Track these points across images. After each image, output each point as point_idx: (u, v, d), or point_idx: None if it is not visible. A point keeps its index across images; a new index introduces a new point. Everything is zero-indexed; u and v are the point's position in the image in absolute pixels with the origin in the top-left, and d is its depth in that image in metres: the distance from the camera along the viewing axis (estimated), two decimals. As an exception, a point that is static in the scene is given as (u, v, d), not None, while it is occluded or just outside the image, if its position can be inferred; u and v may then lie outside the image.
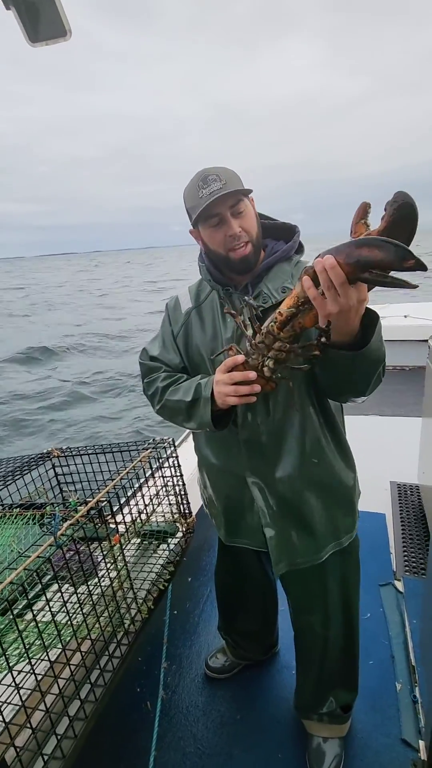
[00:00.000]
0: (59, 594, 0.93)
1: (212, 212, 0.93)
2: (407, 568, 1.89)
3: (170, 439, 1.47)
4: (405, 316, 4.47)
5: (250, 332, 0.85)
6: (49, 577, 0.96)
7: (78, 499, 1.14)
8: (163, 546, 1.43)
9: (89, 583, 1.03)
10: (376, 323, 0.79)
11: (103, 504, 1.07)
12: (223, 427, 1.00)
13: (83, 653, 0.93)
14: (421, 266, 0.58)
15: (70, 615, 0.92)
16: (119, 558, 1.10)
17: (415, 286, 0.62)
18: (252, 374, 0.85)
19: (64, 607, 0.92)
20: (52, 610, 0.89)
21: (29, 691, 0.83)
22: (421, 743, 1.22)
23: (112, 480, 1.23)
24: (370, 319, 0.79)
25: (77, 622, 0.96)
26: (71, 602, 0.98)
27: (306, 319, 0.75)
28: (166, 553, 1.40)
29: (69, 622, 0.92)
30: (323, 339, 0.76)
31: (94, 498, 1.09)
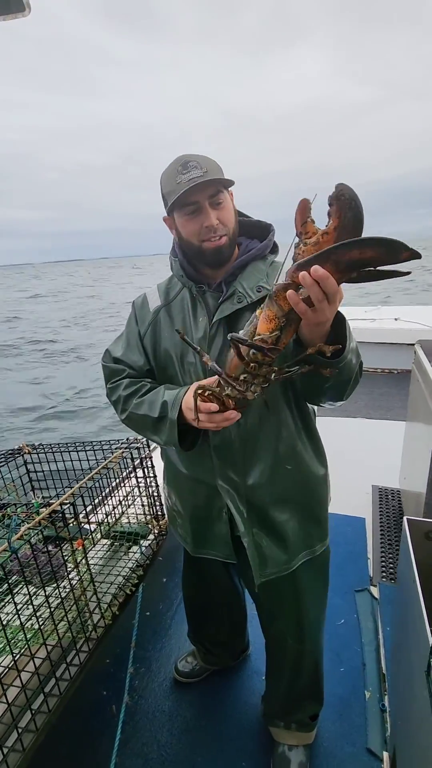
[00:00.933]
0: (10, 598, 0.89)
1: (189, 200, 0.88)
2: (384, 574, 1.87)
3: (144, 440, 1.43)
4: (395, 319, 4.45)
5: (231, 364, 0.79)
6: (2, 581, 0.92)
7: (42, 499, 1.10)
8: (134, 548, 1.40)
9: (48, 588, 1.00)
10: (343, 320, 0.76)
11: (66, 507, 1.03)
12: (189, 447, 0.96)
13: (37, 661, 0.89)
14: (415, 255, 0.55)
15: (22, 621, 0.89)
16: (82, 562, 1.06)
17: (408, 272, 0.59)
18: (234, 415, 0.81)
19: (16, 613, 0.88)
20: (5, 615, 0.86)
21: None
22: (386, 755, 1.20)
23: (79, 481, 1.19)
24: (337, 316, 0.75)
25: (32, 627, 0.93)
26: (28, 607, 0.94)
27: (287, 335, 0.72)
28: (137, 555, 1.37)
29: (21, 628, 0.89)
30: (309, 352, 0.73)
31: (57, 500, 1.05)
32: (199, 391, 0.82)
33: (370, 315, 4.72)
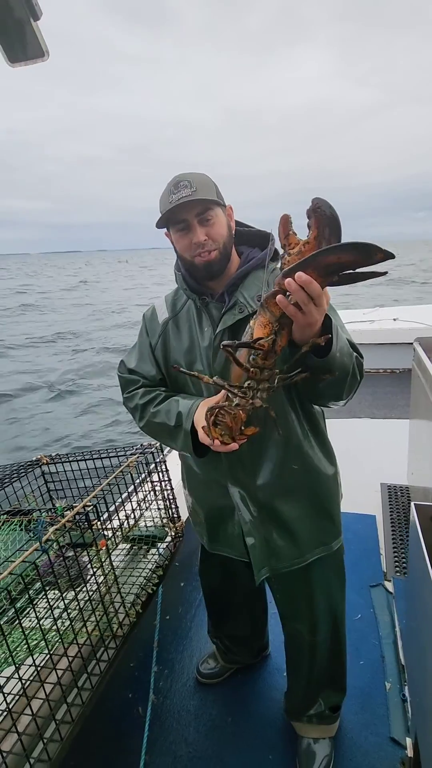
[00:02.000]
0: (45, 599, 0.94)
1: (179, 217, 0.94)
2: (397, 569, 1.90)
3: (158, 444, 1.48)
4: (394, 320, 4.51)
5: (233, 375, 0.84)
6: (35, 582, 0.97)
7: (65, 504, 1.15)
8: (153, 550, 1.44)
9: (76, 588, 1.05)
10: (329, 320, 0.80)
11: (89, 509, 1.09)
12: (203, 454, 1.00)
13: (70, 658, 0.94)
14: (389, 255, 0.61)
15: (56, 620, 0.93)
16: (106, 562, 1.11)
17: (384, 272, 0.64)
18: (234, 446, 0.86)
19: (50, 613, 0.93)
20: (39, 615, 0.91)
21: (15, 696, 0.84)
22: (408, 741, 1.23)
23: (102, 484, 1.24)
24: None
25: (63, 626, 0.97)
26: (58, 607, 0.99)
27: (282, 339, 0.77)
28: (156, 557, 1.41)
29: (55, 627, 0.93)
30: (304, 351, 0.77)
31: (80, 503, 1.10)
32: (209, 414, 0.85)
33: (369, 317, 4.79)
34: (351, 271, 0.66)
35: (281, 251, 0.74)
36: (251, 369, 0.79)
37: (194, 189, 0.92)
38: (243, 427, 0.86)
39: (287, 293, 0.70)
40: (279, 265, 0.76)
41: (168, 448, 1.47)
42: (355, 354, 0.92)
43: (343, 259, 0.63)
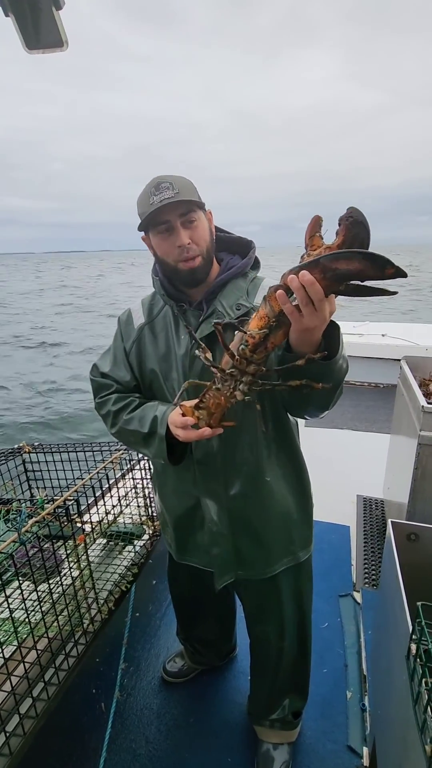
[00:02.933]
0: (19, 591, 0.93)
1: (161, 219, 0.90)
2: (366, 580, 1.95)
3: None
4: (383, 335, 4.60)
5: (223, 360, 0.82)
6: (10, 573, 0.96)
7: (46, 496, 1.14)
8: (129, 547, 1.44)
9: (51, 581, 1.04)
10: (337, 332, 0.78)
11: (70, 503, 1.08)
12: (177, 462, 0.99)
13: (39, 651, 0.93)
14: (401, 273, 0.58)
15: (29, 612, 0.93)
16: (83, 557, 1.10)
17: (394, 293, 0.62)
18: (207, 431, 0.85)
19: (23, 604, 0.92)
20: (11, 606, 0.90)
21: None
22: (365, 750, 1.26)
23: (82, 479, 1.24)
24: (331, 327, 0.77)
25: (35, 619, 0.96)
26: (31, 599, 0.98)
27: (277, 337, 0.75)
28: (132, 554, 1.41)
29: (27, 620, 0.92)
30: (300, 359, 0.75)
31: (62, 496, 1.10)
32: (189, 405, 0.85)
33: (359, 330, 4.87)
34: (359, 282, 0.63)
35: (304, 251, 0.71)
36: (236, 357, 0.77)
37: (176, 191, 0.89)
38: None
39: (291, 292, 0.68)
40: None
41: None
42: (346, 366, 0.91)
43: (352, 266, 0.60)
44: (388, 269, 0.58)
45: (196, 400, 0.86)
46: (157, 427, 0.95)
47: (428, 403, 1.71)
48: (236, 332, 0.79)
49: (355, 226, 0.64)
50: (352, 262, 0.60)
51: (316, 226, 0.69)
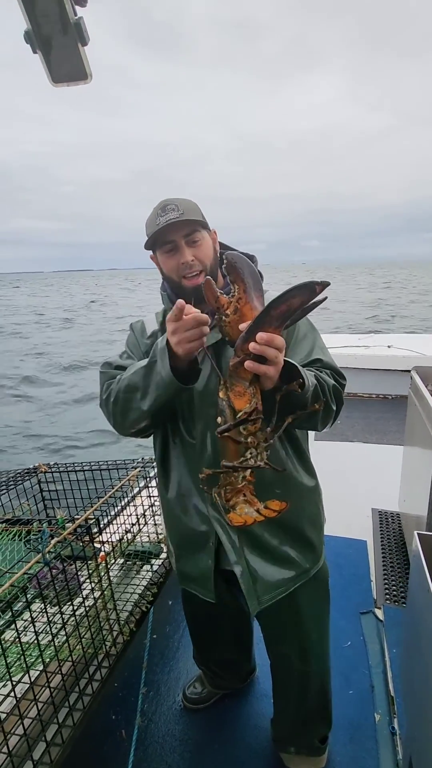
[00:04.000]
0: (43, 613, 0.92)
1: (167, 238, 0.96)
2: (387, 596, 1.90)
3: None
4: (388, 347, 4.60)
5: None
6: (32, 595, 0.95)
7: (65, 516, 1.13)
8: (147, 567, 1.43)
9: (73, 602, 1.03)
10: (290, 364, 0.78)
11: (91, 522, 1.08)
12: (190, 381, 0.90)
13: (63, 675, 0.91)
14: (326, 284, 0.64)
15: (53, 635, 0.91)
16: (104, 577, 1.09)
17: (325, 298, 0.68)
18: (204, 317, 0.82)
19: (47, 627, 0.91)
20: (36, 629, 0.88)
21: (5, 715, 0.82)
22: (398, 776, 1.21)
23: (99, 498, 1.23)
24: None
25: (59, 642, 0.95)
26: (54, 622, 0.97)
27: (258, 397, 0.75)
28: (150, 574, 1.39)
29: (51, 643, 0.91)
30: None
31: (82, 515, 1.09)
32: (220, 491, 0.80)
33: (364, 342, 4.88)
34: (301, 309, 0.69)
35: (215, 315, 0.74)
36: (248, 438, 0.75)
37: (181, 212, 0.94)
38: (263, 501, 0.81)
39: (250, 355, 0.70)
40: (219, 328, 0.75)
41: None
42: (333, 383, 0.92)
43: (294, 303, 0.66)
44: (318, 288, 0.64)
45: (228, 502, 0.80)
46: (158, 350, 0.89)
47: (443, 413, 1.69)
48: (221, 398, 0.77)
49: (241, 269, 0.70)
50: (292, 300, 0.65)
51: (213, 289, 0.73)
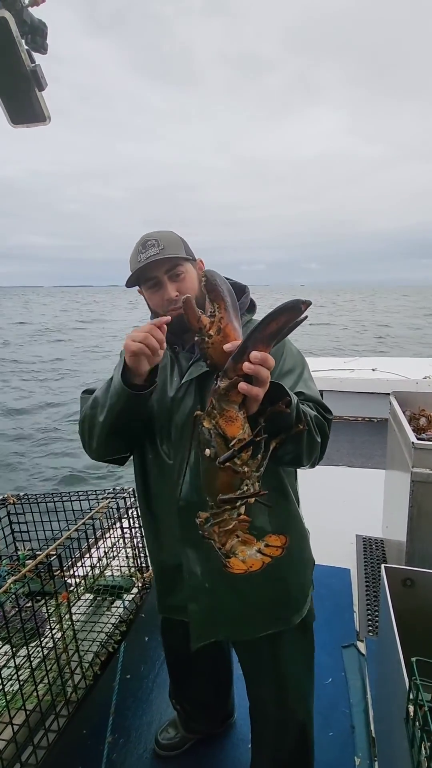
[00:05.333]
0: (-6, 658, 0.87)
1: (149, 275, 0.96)
2: (371, 628, 1.85)
3: (131, 489, 1.45)
4: (373, 369, 4.66)
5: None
6: (-15, 638, 0.91)
7: (28, 551, 1.09)
8: (118, 602, 1.37)
9: (30, 645, 0.98)
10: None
11: (52, 558, 1.04)
12: (144, 388, 0.88)
13: (15, 727, 0.86)
14: (308, 302, 0.65)
15: (4, 682, 0.87)
16: (66, 617, 1.05)
17: (306, 317, 0.68)
18: (166, 318, 0.86)
19: (-2, 674, 0.86)
20: (-15, 676, 0.84)
21: None
22: None
23: (68, 530, 1.20)
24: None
25: (12, 690, 0.90)
26: (8, 666, 0.92)
27: (247, 421, 0.73)
28: (120, 610, 1.34)
29: (2, 691, 0.86)
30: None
31: (43, 552, 1.06)
32: (210, 534, 0.75)
33: (349, 365, 4.94)
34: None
35: (196, 337, 0.72)
36: (245, 470, 0.72)
37: (162, 247, 0.94)
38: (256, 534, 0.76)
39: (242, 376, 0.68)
40: (201, 350, 0.73)
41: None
42: (314, 413, 0.89)
43: (281, 322, 0.66)
44: (303, 306, 0.65)
45: (224, 547, 0.76)
46: (117, 369, 0.89)
47: (418, 438, 1.70)
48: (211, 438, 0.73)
49: (220, 287, 0.71)
50: (280, 319, 0.66)
51: (194, 308, 0.72)
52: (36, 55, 0.76)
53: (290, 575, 1.04)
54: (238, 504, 0.74)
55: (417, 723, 0.59)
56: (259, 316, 1.08)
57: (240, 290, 1.07)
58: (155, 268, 0.95)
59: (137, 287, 1.03)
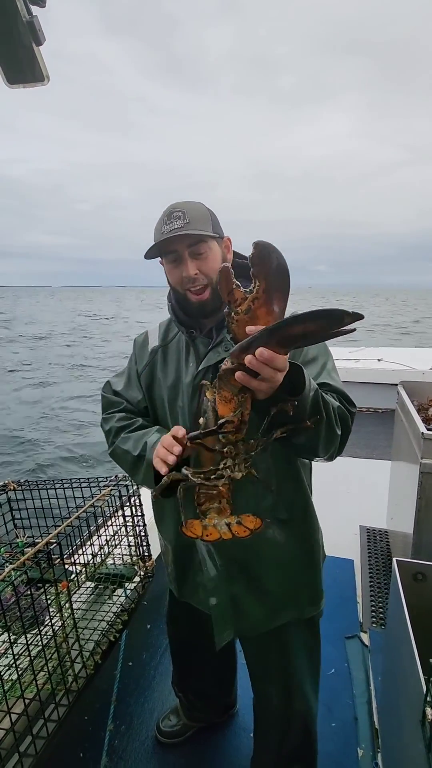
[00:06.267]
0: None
1: (170, 248, 0.91)
2: (374, 619, 1.83)
3: (133, 477, 1.42)
4: (378, 360, 4.60)
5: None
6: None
7: (27, 539, 1.07)
8: (119, 591, 1.35)
9: (29, 633, 0.95)
10: (298, 368, 0.72)
11: (52, 546, 1.01)
12: (168, 495, 0.85)
13: (14, 716, 0.84)
14: (358, 317, 0.54)
15: (2, 672, 0.84)
16: (66, 606, 1.02)
17: (353, 330, 0.57)
18: (177, 448, 0.79)
19: (-4, 664, 0.84)
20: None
21: None
22: None
23: (68, 518, 1.17)
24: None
25: (11, 679, 0.88)
26: (7, 655, 0.89)
27: (247, 407, 0.70)
28: (122, 599, 1.32)
29: (0, 679, 0.84)
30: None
31: (43, 539, 1.03)
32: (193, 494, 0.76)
33: (354, 355, 4.88)
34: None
35: (225, 308, 0.66)
36: (225, 449, 0.70)
37: (187, 221, 0.88)
38: (237, 515, 0.75)
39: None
40: (227, 322, 0.67)
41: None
42: (338, 404, 0.85)
43: (309, 328, 0.56)
44: (346, 320, 0.54)
45: (201, 506, 0.76)
46: (147, 452, 0.91)
47: (428, 429, 1.66)
48: (207, 408, 0.72)
49: (270, 262, 0.61)
50: (309, 325, 0.56)
51: (230, 278, 0.64)
52: (33, 8, 0.70)
53: (302, 563, 1.01)
54: (212, 477, 0.72)
55: (434, 725, 0.56)
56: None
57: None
58: (177, 241, 0.90)
59: (159, 258, 0.97)
